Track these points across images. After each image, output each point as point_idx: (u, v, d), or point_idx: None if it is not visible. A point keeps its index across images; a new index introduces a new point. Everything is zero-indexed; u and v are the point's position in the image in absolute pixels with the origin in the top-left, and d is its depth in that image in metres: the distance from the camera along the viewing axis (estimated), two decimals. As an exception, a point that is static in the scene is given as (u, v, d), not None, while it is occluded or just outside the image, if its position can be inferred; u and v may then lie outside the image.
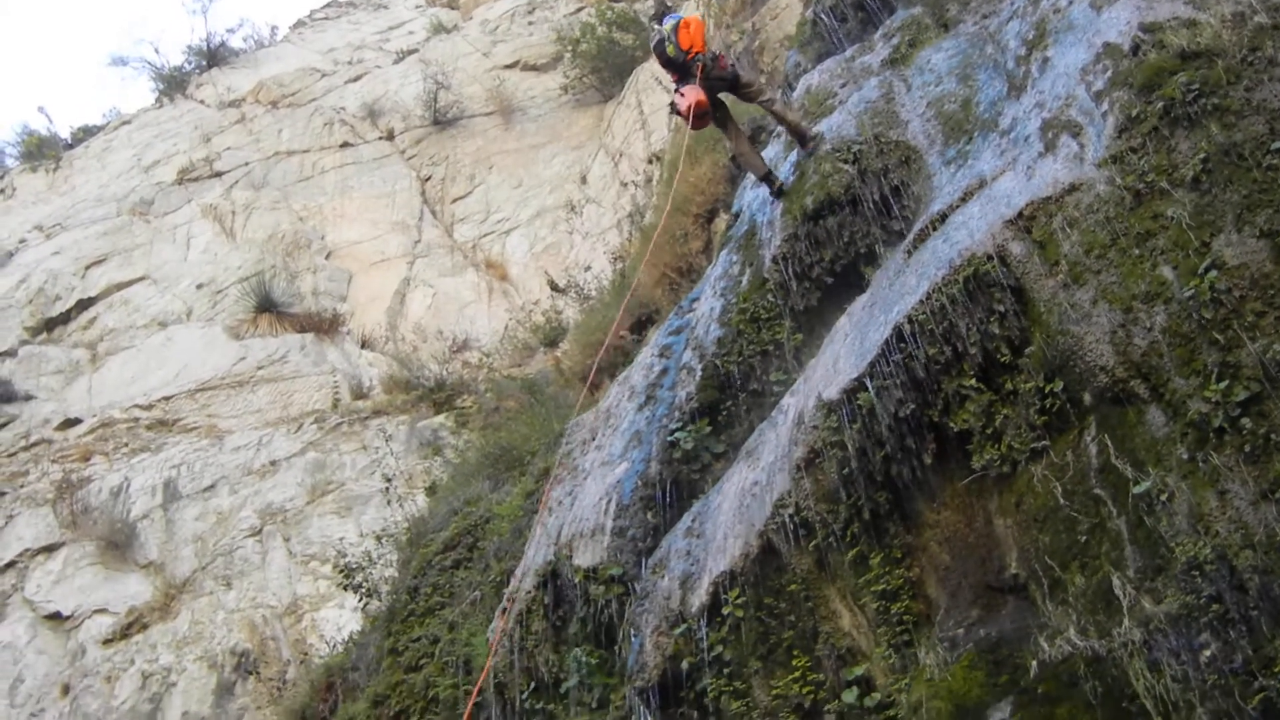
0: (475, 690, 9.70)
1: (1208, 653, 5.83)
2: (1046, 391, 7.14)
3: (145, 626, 25.05)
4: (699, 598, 8.49)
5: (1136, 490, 6.44)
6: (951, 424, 7.56)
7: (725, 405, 10.30)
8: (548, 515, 10.94)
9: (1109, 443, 6.76)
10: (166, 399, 29.39)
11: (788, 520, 8.09)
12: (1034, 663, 6.63)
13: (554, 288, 24.93)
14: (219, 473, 26.81)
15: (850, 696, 7.57)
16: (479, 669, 10.87)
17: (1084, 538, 6.66)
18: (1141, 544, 6.35)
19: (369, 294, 30.40)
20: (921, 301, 7.88)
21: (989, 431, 7.38)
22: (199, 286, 31.53)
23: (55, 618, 26.32)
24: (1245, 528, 5.97)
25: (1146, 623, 6.11)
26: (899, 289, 8.46)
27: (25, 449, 30.24)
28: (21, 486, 29.41)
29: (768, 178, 11.53)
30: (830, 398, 8.19)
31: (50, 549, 27.69)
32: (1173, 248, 6.92)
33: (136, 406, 29.58)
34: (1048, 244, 7.53)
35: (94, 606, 26.05)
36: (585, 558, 9.89)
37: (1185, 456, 6.34)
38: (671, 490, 9.89)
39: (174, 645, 24.32)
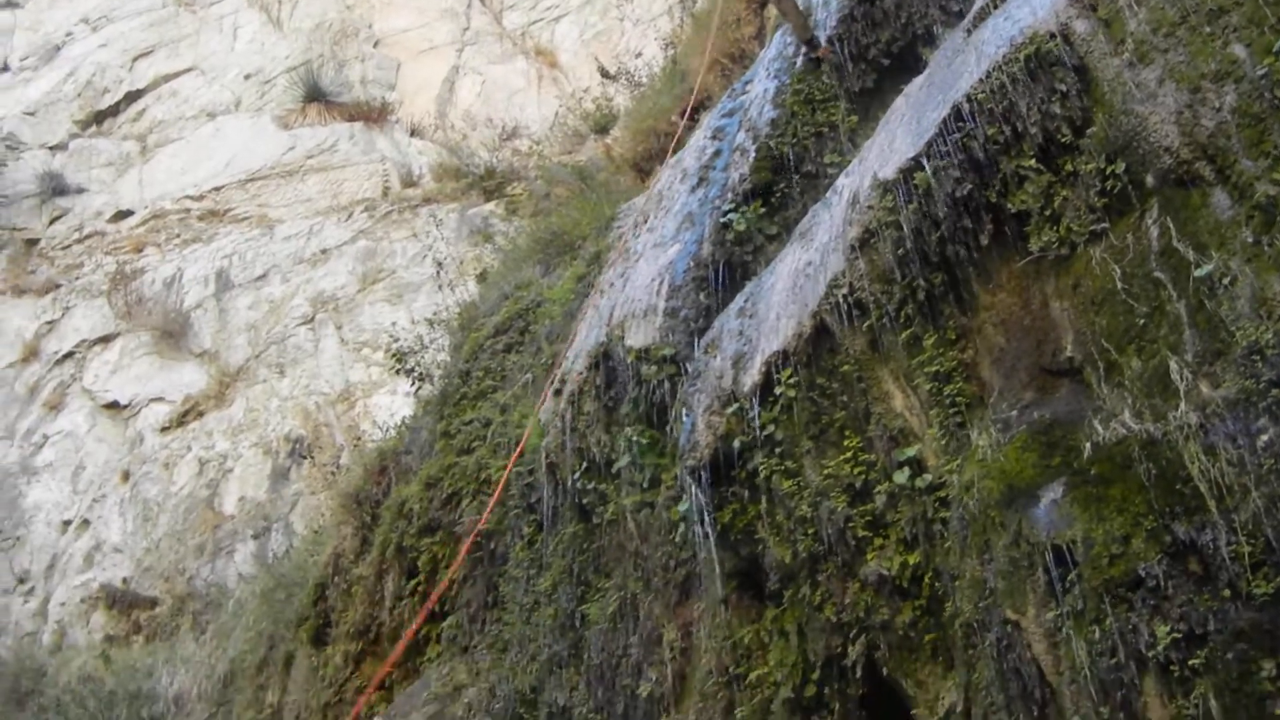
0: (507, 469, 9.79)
1: (1265, 437, 5.78)
2: (1108, 173, 6.98)
3: (201, 414, 25.49)
4: (751, 377, 8.49)
5: (1198, 273, 6.32)
6: (1009, 205, 7.44)
7: (779, 187, 10.18)
8: (599, 297, 10.95)
9: (1171, 226, 6.62)
10: (217, 189, 29.41)
11: (841, 300, 8.03)
12: (1087, 445, 6.60)
13: (604, 74, 24.62)
14: (270, 262, 26.94)
15: (901, 477, 7.60)
16: (531, 450, 11.03)
17: (1142, 321, 6.57)
18: (1201, 328, 6.26)
19: (417, 82, 30.07)
20: (981, 80, 7.69)
21: (1047, 213, 7.26)
22: (247, 77, 31.25)
23: (113, 407, 26.81)
24: (1308, 312, 5.89)
25: (1203, 406, 6.06)
26: (957, 69, 8.26)
27: (79, 241, 30.46)
28: (76, 279, 29.69)
29: (810, 42, 10.88)
30: (886, 177, 8.07)
31: (106, 340, 28.07)
32: (1246, 25, 6.68)
33: (187, 198, 29.64)
34: (1113, 21, 7.30)
35: (151, 395, 26.49)
36: (637, 338, 9.91)
37: (1250, 240, 6.21)
38: (724, 271, 9.84)
39: (229, 432, 24.77)
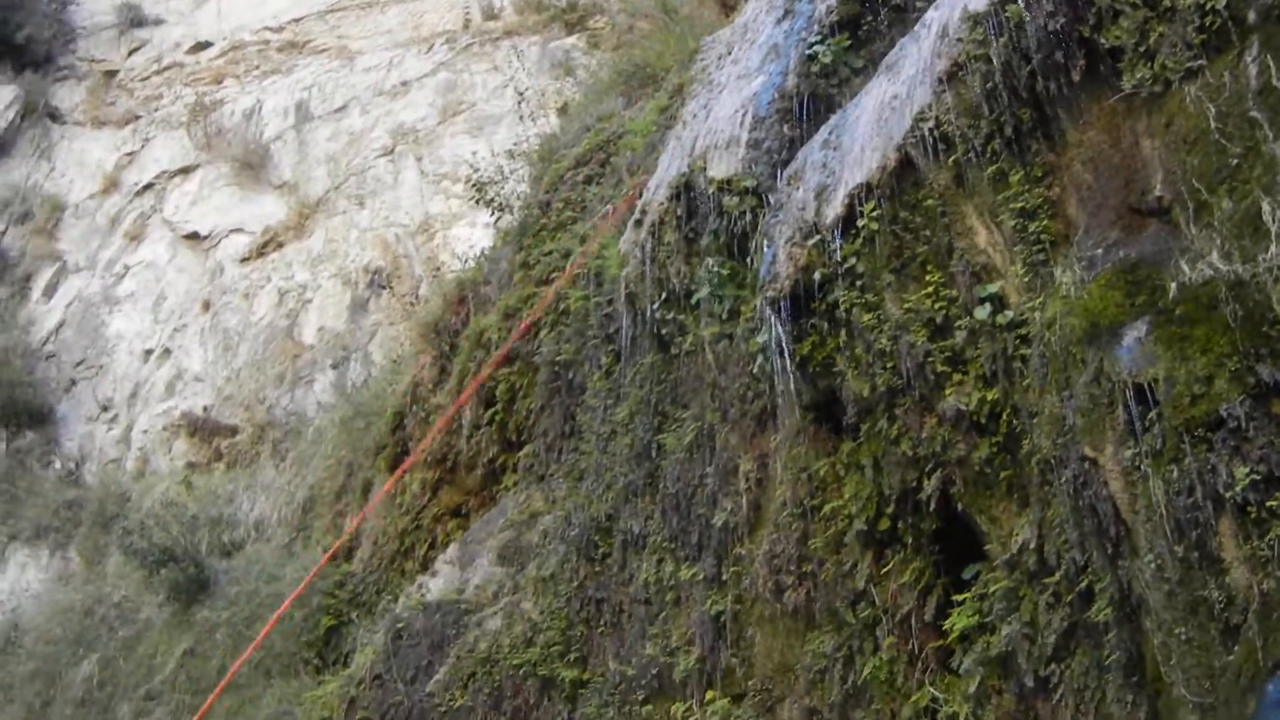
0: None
1: (1356, 275, 5.72)
2: (1207, 8, 6.76)
3: (280, 245, 25.70)
4: (834, 209, 8.43)
5: (1298, 112, 6.20)
6: (1103, 40, 7.25)
7: (866, 20, 9.98)
8: (682, 128, 10.87)
9: (1271, 64, 6.42)
10: (296, 20, 29.27)
11: (927, 134, 7.91)
12: (1173, 285, 6.52)
13: (690, -94, 24.06)
14: (350, 93, 26.87)
15: (982, 313, 7.56)
16: (610, 280, 11.07)
17: (1235, 161, 6.43)
18: (1296, 169, 6.15)
19: (500, -88, 29.53)
20: (1079, -91, 7.48)
21: (1142, 49, 7.07)
22: (325, -93, 30.82)
23: (193, 237, 27.10)
24: (1407, 154, 5.76)
25: (1293, 247, 5.98)
26: (1055, -102, 8.02)
27: (158, 73, 30.53)
28: (156, 110, 29.83)
29: None
30: (977, 9, 7.88)
31: (186, 171, 28.27)
32: None
33: (266, 29, 29.54)
34: None
35: (230, 226, 26.74)
36: (720, 169, 9.85)
37: (1354, 76, 6.07)
38: (808, 104, 9.70)
39: (309, 263, 24.97)
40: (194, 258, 27.02)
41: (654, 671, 9.59)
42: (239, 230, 26.62)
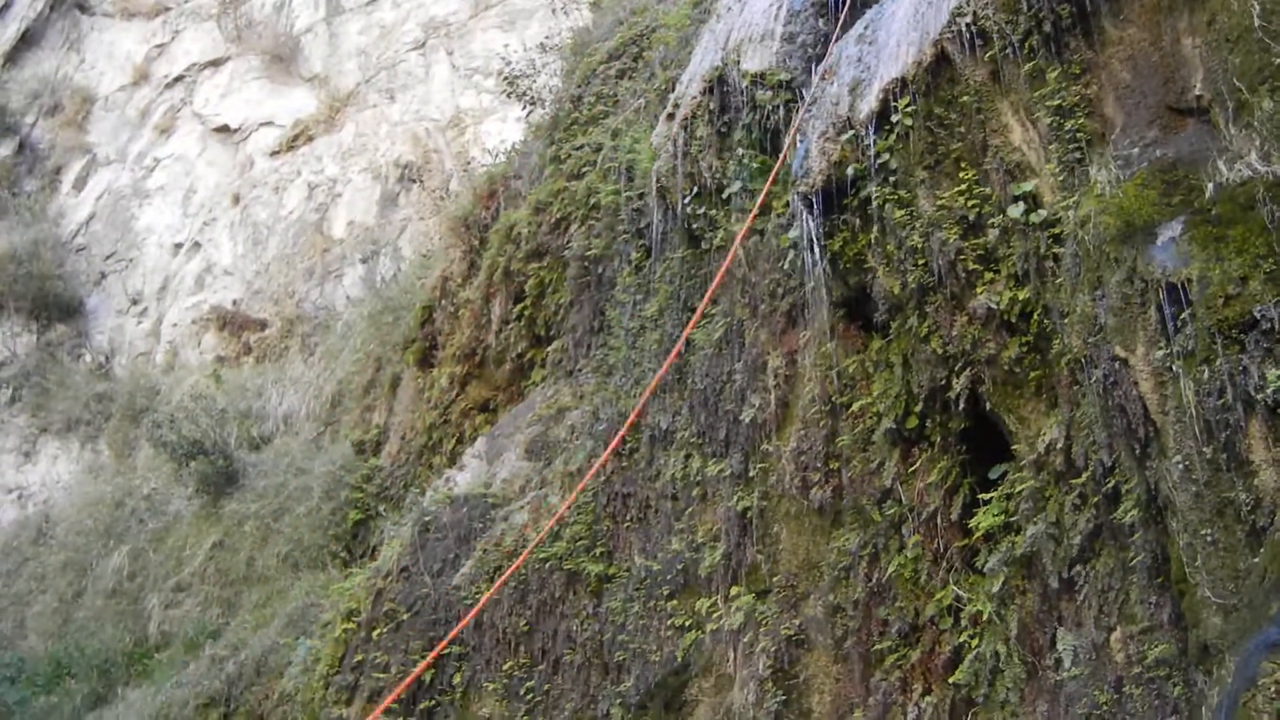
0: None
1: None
2: (1256, -99, 6.64)
3: (311, 139, 25.63)
4: (868, 104, 8.34)
5: (1343, 10, 6.08)
6: (1148, -66, 7.13)
7: (907, -87, 9.83)
8: (716, 21, 10.74)
9: (1319, -39, 6.33)
10: (329, -89, 28.86)
11: (964, 29, 7.79)
12: (1210, 185, 6.45)
13: None
14: (382, -15, 26.59)
15: (1016, 211, 7.50)
16: (641, 175, 10.99)
17: (1277, 61, 6.32)
18: (1341, 68, 6.04)
19: None
20: None
21: (1188, -55, 6.95)
22: None
23: (223, 130, 27.05)
24: None
25: (1334, 150, 5.89)
26: None
27: (188, -37, 30.23)
28: (186, 1, 29.59)
29: None
30: (1020, -99, 7.75)
31: (216, 63, 28.15)
32: None
33: (299, -83, 29.12)
34: None
35: (260, 119, 26.66)
36: (753, 63, 9.73)
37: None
38: (845, -3, 9.61)
39: (339, 157, 24.92)
40: (224, 151, 26.99)
41: (679, 567, 9.65)
42: (269, 124, 26.56)
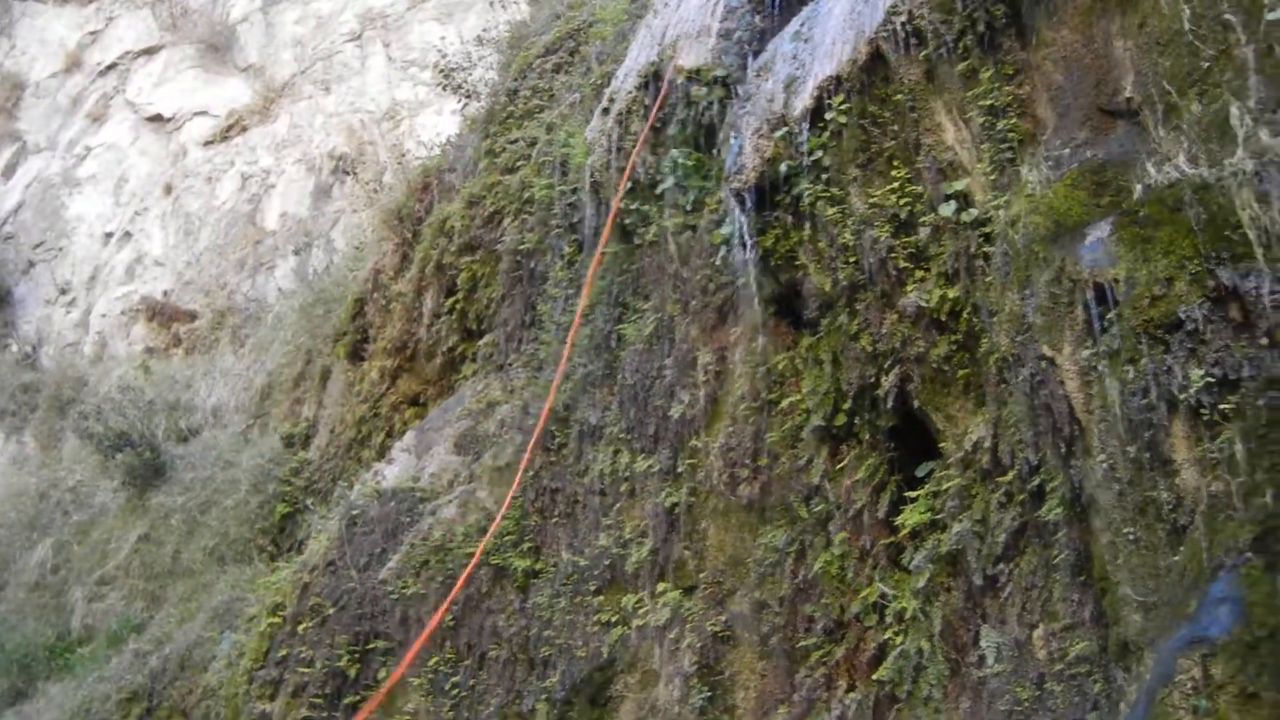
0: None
1: (1319, 183, 5.70)
2: (1188, -93, 6.70)
3: (245, 129, 25.41)
4: (802, 101, 8.35)
5: (1270, 16, 6.10)
6: (1082, -64, 7.19)
7: (844, -90, 9.86)
8: (653, 16, 10.73)
9: (1247, -34, 6.39)
10: (266, -102, 28.62)
11: (899, 28, 7.82)
12: (1139, 186, 6.52)
13: None
14: (319, -25, 26.41)
15: (947, 210, 7.53)
16: (575, 169, 10.95)
17: (1206, 64, 6.38)
18: (1267, 74, 6.08)
19: None
20: None
21: (1120, -52, 7.01)
22: None
23: (157, 119, 26.75)
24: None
25: (1260, 154, 5.93)
26: None
27: (123, -51, 29.88)
28: (120, -12, 29.27)
29: None
30: (957, -98, 7.78)
31: (150, 51, 27.83)
32: None
33: (237, -95, 28.87)
34: None
35: (194, 109, 26.40)
36: (689, 59, 9.71)
37: (1336, -16, 6.00)
38: (782, -7, 9.63)
39: (273, 147, 24.72)
40: (157, 140, 26.69)
41: (606, 562, 9.63)
42: (203, 113, 26.29)
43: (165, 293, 24.27)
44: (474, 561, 9.55)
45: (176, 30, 27.37)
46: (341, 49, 25.04)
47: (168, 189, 25.56)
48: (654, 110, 9.84)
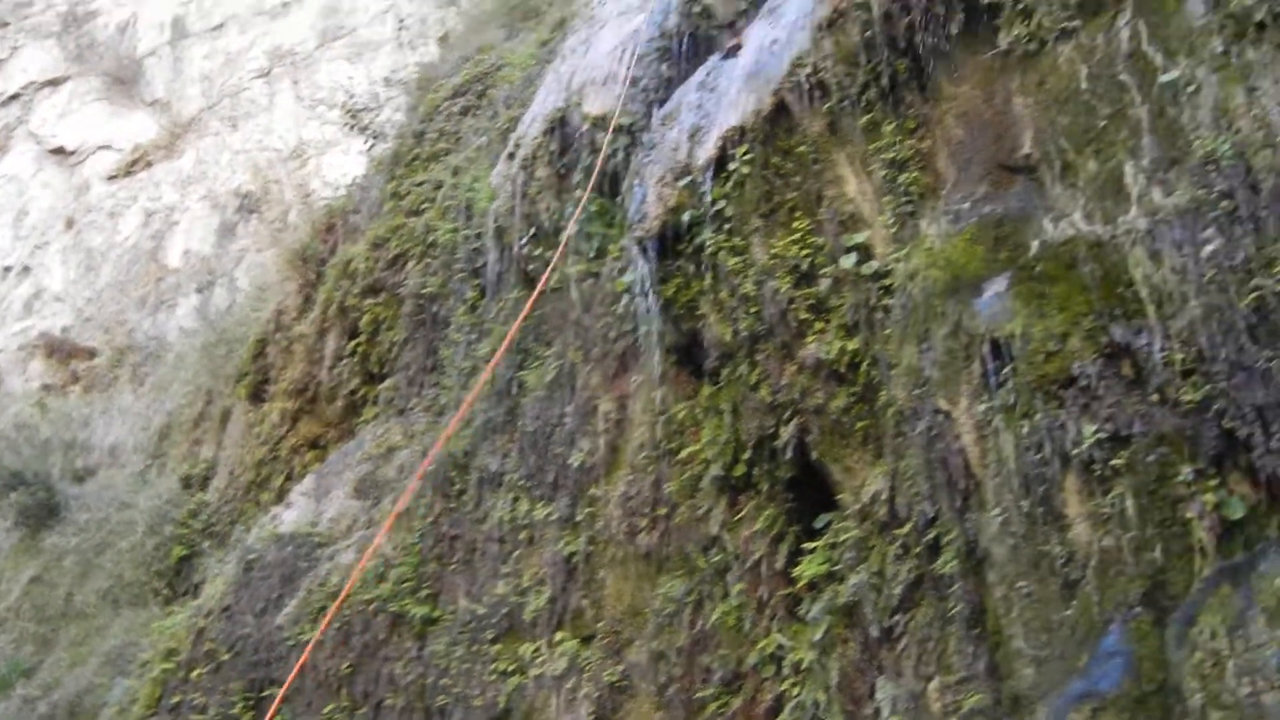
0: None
1: (1210, 247, 5.78)
2: (1085, -31, 6.83)
3: (149, 164, 25.12)
4: (706, 151, 8.38)
5: (1164, 79, 6.23)
6: (983, -5, 7.29)
7: (750, -38, 9.95)
8: (560, 62, 10.75)
9: (1142, 28, 6.49)
10: (176, -68, 28.44)
11: (804, 80, 7.90)
12: (1035, 242, 6.61)
13: None
14: (229, 11, 26.27)
15: (848, 262, 7.57)
16: (480, 213, 10.91)
17: (1102, 123, 6.50)
18: (1160, 134, 6.20)
19: None
20: None
21: (1020, 7, 7.11)
22: None
23: (60, 152, 26.37)
24: (1268, 126, 5.80)
25: (1154, 212, 6.04)
26: None
27: (30, -21, 29.54)
28: (25, 17, 28.91)
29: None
30: (861, -42, 7.88)
31: (55, 83, 27.46)
32: None
33: (146, -62, 28.65)
34: None
35: (99, 142, 26.06)
36: (595, 105, 9.76)
37: (1219, 49, 6.10)
38: (688, 44, 9.66)
39: (178, 184, 24.46)
40: (59, 173, 26.30)
41: (504, 610, 9.51)
42: (107, 147, 25.96)
43: (64, 329, 23.85)
44: (341, 597, 9.38)
45: (82, 62, 27.04)
46: (249, 86, 24.87)
47: (69, 223, 25.17)
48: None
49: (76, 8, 27.94)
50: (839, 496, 7.68)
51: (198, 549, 14.82)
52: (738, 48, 8.83)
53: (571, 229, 9.57)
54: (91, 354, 23.12)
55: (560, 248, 9.08)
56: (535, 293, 8.92)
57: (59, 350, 23.49)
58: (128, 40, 27.00)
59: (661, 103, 9.43)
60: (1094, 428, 5.84)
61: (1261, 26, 6.01)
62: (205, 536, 14.89)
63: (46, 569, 16.99)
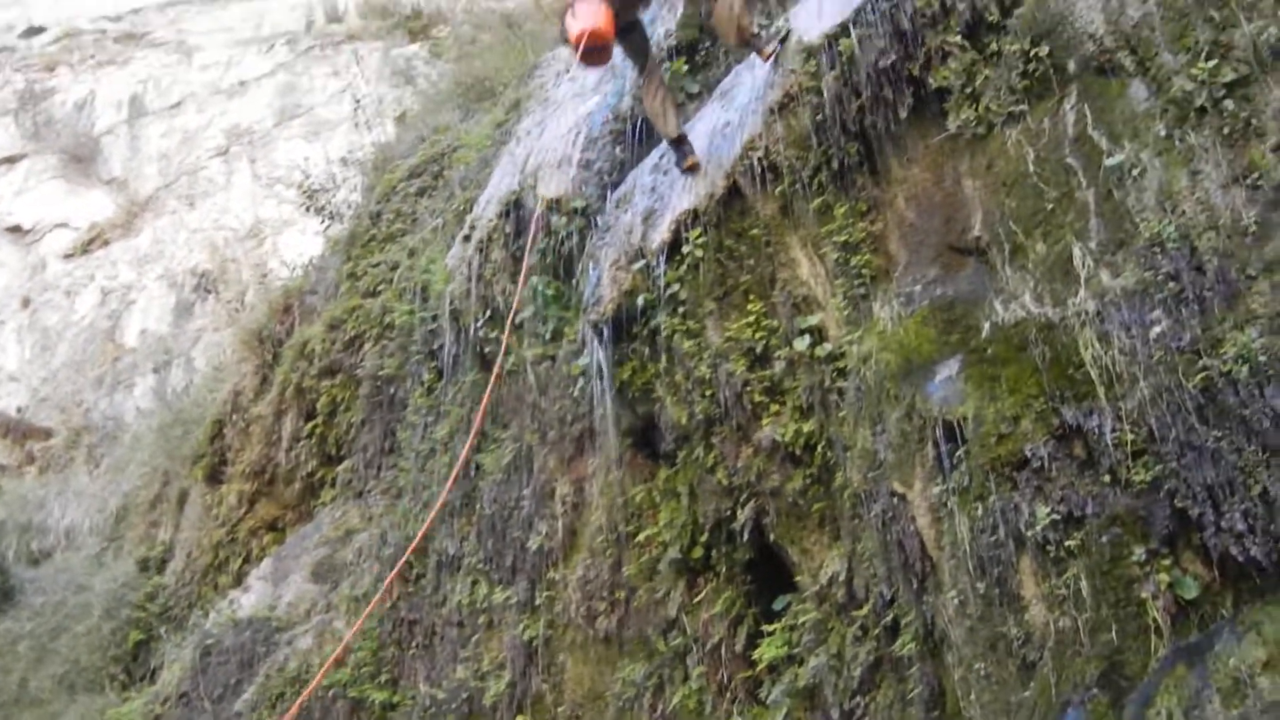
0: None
1: (1158, 329, 5.85)
2: (1031, 55, 6.94)
3: (107, 243, 24.99)
4: (660, 234, 8.43)
5: (1109, 163, 6.34)
6: (931, 80, 7.39)
7: (703, 45, 10.04)
8: (515, 144, 10.80)
9: (1088, 112, 6.62)
10: (135, 11, 28.55)
11: (756, 163, 7.96)
12: (986, 324, 6.66)
13: (536, -74, 24.03)
14: (186, 90, 26.27)
15: (802, 344, 7.61)
16: (436, 295, 10.91)
17: (1050, 206, 6.59)
18: (1107, 217, 6.29)
19: (347, -85, 29.19)
20: (914, -49, 7.57)
21: (968, 91, 7.22)
22: (169, -103, 30.17)
23: (16, 230, 26.19)
24: (1212, 209, 5.91)
25: (1102, 295, 6.11)
26: (894, -62, 8.11)
27: (-14, 56, 29.48)
28: (-18, 95, 28.82)
29: (678, 143, 8.71)
30: (811, 41, 7.97)
31: (11, 160, 27.33)
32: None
33: (104, 18, 28.75)
34: (1046, -99, 7.19)
35: (55, 220, 25.91)
36: (549, 188, 9.80)
37: (1163, 133, 6.22)
38: (642, 126, 9.71)
39: (135, 263, 24.33)
40: (15, 251, 26.12)
41: (464, 695, 9.44)
42: (64, 225, 25.82)
43: (19, 409, 23.60)
44: (311, 688, 9.29)
45: (39, 139, 26.95)
46: (207, 164, 24.85)
47: (25, 302, 24.99)
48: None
49: (34, 85, 27.87)
50: (797, 578, 7.67)
51: (155, 633, 14.62)
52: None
53: (526, 313, 9.59)
54: (48, 434, 22.89)
55: (506, 332, 9.07)
56: (494, 376, 8.91)
57: (14, 431, 23.24)
58: (85, 118, 26.95)
59: (615, 185, 9.49)
60: (1047, 509, 5.87)
61: (1203, 111, 6.12)
62: (163, 620, 14.69)
63: (1, 654, 16.73)
